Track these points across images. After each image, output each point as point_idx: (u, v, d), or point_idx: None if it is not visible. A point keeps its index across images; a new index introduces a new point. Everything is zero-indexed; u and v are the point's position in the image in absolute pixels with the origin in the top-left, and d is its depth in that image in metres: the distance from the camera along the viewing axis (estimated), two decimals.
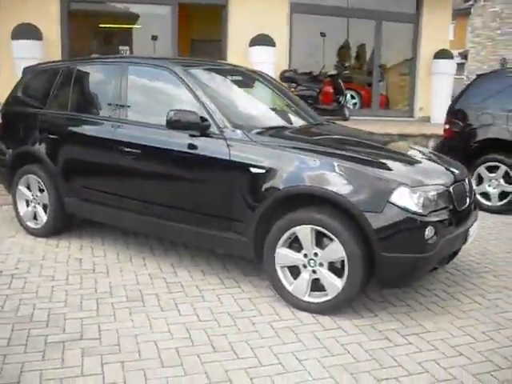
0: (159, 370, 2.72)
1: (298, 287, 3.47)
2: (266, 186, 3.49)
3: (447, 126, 6.71)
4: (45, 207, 4.83)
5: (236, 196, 3.63)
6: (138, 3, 10.60)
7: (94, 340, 3.02)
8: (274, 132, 3.87)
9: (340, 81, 11.09)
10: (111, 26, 11.93)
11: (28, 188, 4.95)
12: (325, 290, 3.41)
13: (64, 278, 3.95)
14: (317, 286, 3.45)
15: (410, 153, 4.07)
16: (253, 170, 3.54)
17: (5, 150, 5.14)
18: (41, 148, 4.74)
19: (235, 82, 4.63)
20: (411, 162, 3.77)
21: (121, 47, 11.13)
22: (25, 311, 3.37)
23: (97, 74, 4.77)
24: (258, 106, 4.57)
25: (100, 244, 4.73)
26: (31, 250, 4.56)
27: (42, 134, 4.75)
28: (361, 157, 3.50)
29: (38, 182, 4.81)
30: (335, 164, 3.36)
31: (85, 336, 3.06)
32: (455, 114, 6.65)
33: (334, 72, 11.32)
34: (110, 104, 4.38)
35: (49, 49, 9.12)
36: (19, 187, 4.97)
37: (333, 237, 3.28)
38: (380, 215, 3.18)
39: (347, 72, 11.63)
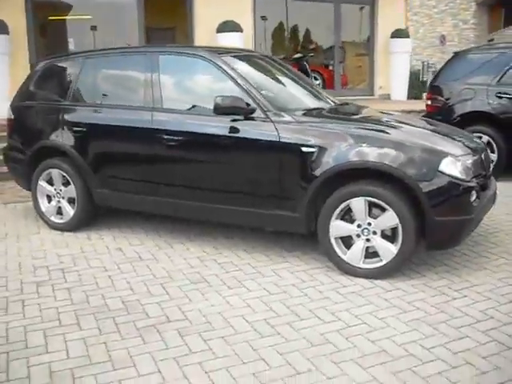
0: (261, 341, 2.89)
1: (353, 255, 3.73)
2: (317, 163, 3.71)
3: (429, 102, 7.15)
4: (70, 201, 4.81)
5: (287, 175, 3.83)
6: None
7: (183, 321, 3.14)
8: (315, 113, 4.08)
9: (305, 63, 11.41)
10: (65, 17, 11.66)
11: (49, 183, 4.91)
12: (378, 256, 3.69)
13: (115, 267, 4.01)
14: (368, 253, 3.72)
15: (440, 127, 4.39)
16: (304, 149, 3.75)
17: (20, 146, 5.08)
18: (66, 141, 4.72)
19: (261, 67, 4.77)
20: (446, 134, 4.09)
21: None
22: (96, 302, 3.42)
23: (124, 65, 4.77)
24: (287, 90, 4.75)
25: (131, 233, 4.78)
26: (65, 244, 4.56)
27: (67, 127, 4.72)
28: (404, 131, 3.79)
29: (63, 176, 4.78)
30: (385, 139, 3.63)
31: (172, 318, 3.17)
32: (436, 90, 7.09)
33: (298, 55, 11.59)
34: (143, 93, 4.41)
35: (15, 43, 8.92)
36: (40, 183, 4.92)
37: (386, 206, 3.55)
38: (431, 183, 3.48)
39: (312, 54, 11.94)
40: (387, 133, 3.75)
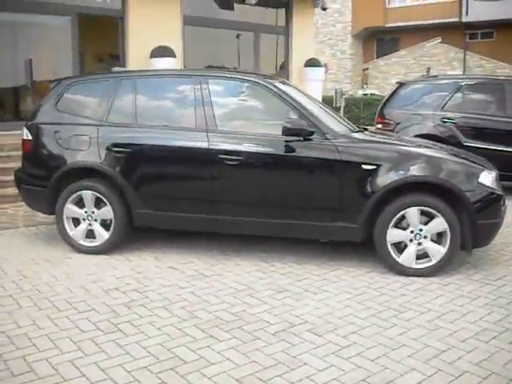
0: (390, 331, 3.32)
1: (407, 258, 4.29)
2: (377, 178, 4.23)
3: (380, 126, 8.09)
4: (104, 223, 4.77)
5: (347, 190, 4.30)
6: (34, 13, 9.99)
7: (306, 324, 3.43)
8: (361, 135, 4.63)
9: None
10: None
11: (78, 206, 4.81)
12: (428, 257, 4.29)
13: (188, 284, 4.11)
14: (419, 255, 4.31)
15: (457, 149, 5.17)
16: (364, 166, 4.26)
17: (41, 168, 4.92)
18: (105, 162, 4.69)
19: (294, 91, 5.15)
20: (468, 154, 4.87)
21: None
22: (206, 316, 3.53)
23: (167, 87, 4.89)
24: (323, 113, 5.15)
25: (170, 253, 4.85)
26: (112, 266, 4.50)
27: (106, 147, 4.70)
28: (444, 151, 4.51)
29: (96, 198, 4.73)
30: (436, 157, 4.30)
31: (295, 322, 3.45)
32: (386, 115, 8.07)
33: None
34: (194, 115, 4.59)
35: None
36: (68, 206, 4.80)
37: (438, 214, 4.18)
38: (475, 193, 4.19)
39: None
40: (429, 152, 4.42)
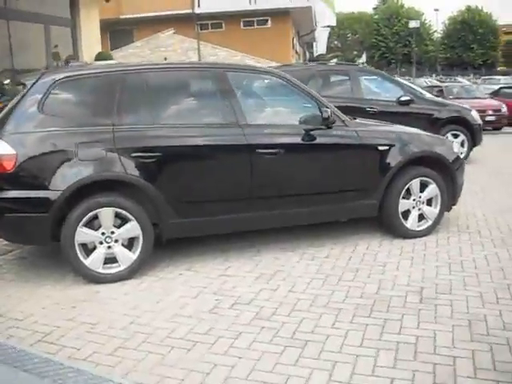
0: None
1: (412, 222, 4.99)
2: (391, 157, 4.79)
3: None
4: (130, 242, 4.11)
5: (368, 170, 4.74)
6: None
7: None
8: (366, 121, 5.08)
9: None
10: None
11: (91, 228, 4.02)
12: (425, 219, 5.08)
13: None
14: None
15: None
16: (380, 147, 4.76)
17: (37, 190, 3.89)
18: (129, 171, 4.01)
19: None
20: None
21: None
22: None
23: (184, 81, 4.39)
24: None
25: (207, 261, 4.49)
26: (169, 290, 3.97)
27: (128, 154, 4.01)
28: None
29: (117, 215, 4.03)
30: (425, 135, 5.13)
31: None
32: None
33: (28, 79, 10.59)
34: (221, 110, 4.31)
35: None
36: (80, 230, 3.95)
37: (432, 182, 4.99)
38: (454, 160, 5.13)
39: None
40: (419, 131, 5.23)
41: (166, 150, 4.14)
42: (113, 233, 4.06)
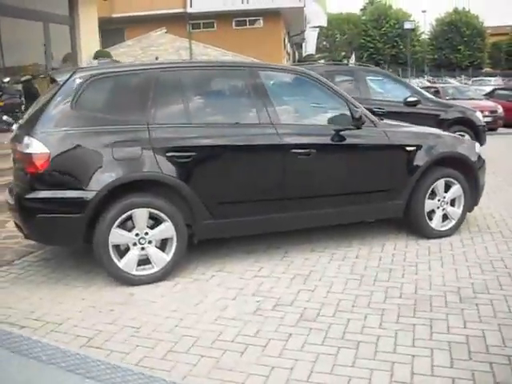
0: None
1: (437, 222, 5.00)
2: (419, 157, 4.80)
3: None
4: (163, 244, 4.07)
5: (396, 170, 4.75)
6: None
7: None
8: (391, 122, 5.09)
9: (36, 85, 10.59)
10: None
11: (124, 229, 3.96)
12: (449, 219, 5.10)
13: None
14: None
15: None
16: (408, 148, 4.77)
17: (72, 190, 3.83)
18: (165, 171, 3.96)
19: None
20: None
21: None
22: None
23: (217, 80, 4.37)
24: None
25: (235, 261, 4.46)
26: (206, 289, 3.94)
27: (164, 153, 3.96)
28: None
29: (150, 216, 3.98)
30: (449, 136, 5.14)
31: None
32: None
33: (28, 77, 10.47)
34: (255, 110, 4.28)
35: None
36: (115, 231, 3.89)
37: (456, 182, 5.01)
38: (478, 161, 5.16)
39: (42, 75, 10.91)
40: (442, 132, 5.26)
41: (201, 150, 4.10)
42: (147, 234, 4.01)
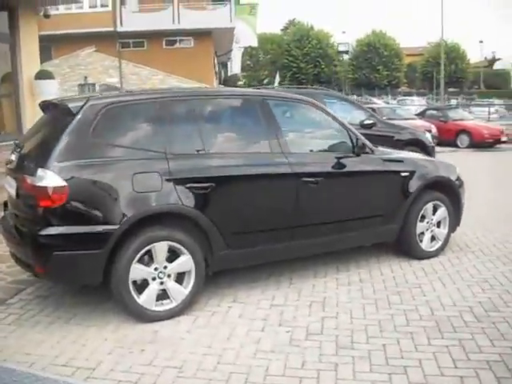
0: None
1: (426, 243, 5.26)
2: (412, 182, 5.04)
3: None
4: (180, 277, 3.98)
5: (393, 195, 4.97)
6: None
7: None
8: (384, 149, 5.29)
9: None
10: None
11: (143, 264, 3.85)
12: (435, 240, 5.38)
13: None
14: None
15: None
16: (403, 174, 5.01)
17: (92, 225, 3.67)
18: (185, 202, 3.89)
19: None
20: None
21: None
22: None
23: (229, 108, 4.37)
24: None
25: (254, 290, 4.44)
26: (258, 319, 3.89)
27: (183, 184, 3.89)
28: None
29: (169, 249, 3.89)
30: (437, 161, 5.47)
31: None
32: None
33: None
34: (265, 139, 4.36)
35: None
36: (135, 266, 3.77)
37: (442, 205, 5.30)
38: (459, 183, 5.50)
39: None
40: (430, 158, 5.61)
41: (218, 180, 4.07)
42: (165, 267, 3.92)
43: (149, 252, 3.85)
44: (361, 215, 4.83)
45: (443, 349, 3.42)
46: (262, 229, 4.32)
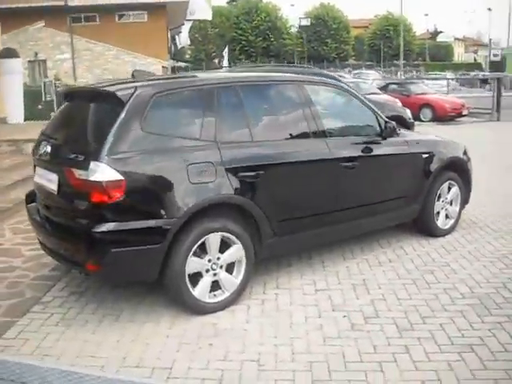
0: None
1: (442, 221, 5.49)
2: (432, 163, 5.22)
3: None
4: (230, 267, 3.99)
5: (416, 175, 5.14)
6: None
7: None
8: (405, 131, 5.42)
9: None
10: None
11: (198, 256, 3.83)
12: (449, 218, 5.61)
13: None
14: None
15: None
16: (424, 155, 5.16)
17: (151, 219, 3.61)
18: (238, 192, 3.87)
19: None
20: None
21: None
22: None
23: (273, 94, 4.38)
24: None
25: (298, 272, 4.50)
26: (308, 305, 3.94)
27: (235, 174, 3.87)
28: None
29: (222, 239, 3.88)
30: (451, 141, 5.63)
31: None
32: None
33: None
34: (306, 124, 4.38)
35: None
36: (191, 259, 3.74)
37: (455, 184, 5.53)
38: (469, 162, 5.73)
39: None
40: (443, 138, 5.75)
41: (267, 168, 4.07)
42: (218, 259, 3.92)
43: (202, 244, 3.84)
44: (390, 197, 4.97)
45: (497, 325, 3.61)
46: (305, 215, 4.37)
